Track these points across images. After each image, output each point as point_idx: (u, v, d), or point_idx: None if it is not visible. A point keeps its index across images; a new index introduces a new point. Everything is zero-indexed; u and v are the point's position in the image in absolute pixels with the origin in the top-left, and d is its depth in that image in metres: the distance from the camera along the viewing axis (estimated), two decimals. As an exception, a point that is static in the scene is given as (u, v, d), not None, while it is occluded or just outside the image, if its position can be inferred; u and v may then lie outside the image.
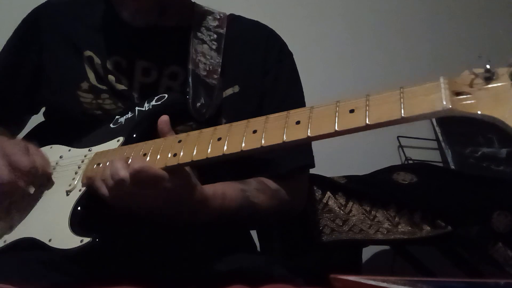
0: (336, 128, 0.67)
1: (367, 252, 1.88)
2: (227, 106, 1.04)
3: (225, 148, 0.75)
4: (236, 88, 1.06)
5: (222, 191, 0.92)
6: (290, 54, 1.16)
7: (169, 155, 0.80)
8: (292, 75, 1.14)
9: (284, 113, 0.74)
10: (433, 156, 2.11)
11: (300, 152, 1.05)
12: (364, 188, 1.49)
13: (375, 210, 1.45)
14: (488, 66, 0.62)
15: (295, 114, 0.72)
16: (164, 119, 0.88)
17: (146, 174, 0.78)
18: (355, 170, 1.63)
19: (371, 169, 1.66)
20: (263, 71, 1.09)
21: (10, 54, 1.12)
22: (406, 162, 2.05)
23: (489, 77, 0.62)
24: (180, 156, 0.79)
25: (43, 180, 0.94)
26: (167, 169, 0.80)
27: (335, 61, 2.12)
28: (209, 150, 0.77)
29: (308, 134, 0.69)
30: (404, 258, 1.74)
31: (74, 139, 1.01)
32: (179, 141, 0.82)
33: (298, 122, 0.70)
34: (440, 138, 2.08)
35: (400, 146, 2.09)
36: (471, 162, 1.99)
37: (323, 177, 1.46)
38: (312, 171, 1.13)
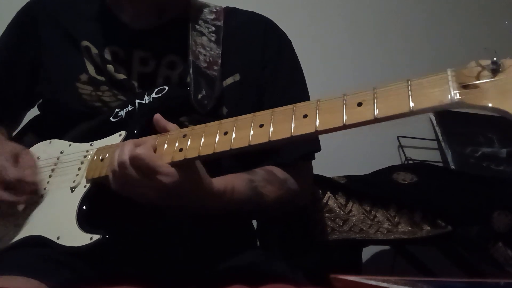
0: (345, 121, 0.66)
1: (367, 252, 1.88)
2: (228, 95, 1.02)
3: (232, 142, 0.74)
4: (236, 77, 1.04)
5: (232, 185, 0.90)
6: (288, 44, 1.14)
7: (175, 150, 0.79)
8: (292, 68, 1.12)
9: (290, 106, 0.73)
10: (433, 156, 2.10)
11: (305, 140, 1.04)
12: (364, 188, 1.49)
13: (375, 210, 1.45)
14: (494, 58, 0.62)
15: (302, 107, 0.71)
16: (157, 118, 0.86)
17: (143, 161, 0.78)
18: (355, 170, 1.63)
19: (371, 169, 1.66)
20: (262, 65, 1.07)
21: (9, 50, 1.11)
22: (406, 162, 2.04)
23: (495, 69, 0.61)
24: (187, 151, 0.78)
25: (31, 188, 0.93)
26: (173, 164, 0.79)
27: (335, 61, 2.11)
28: (216, 144, 0.76)
29: (316, 128, 0.68)
30: (405, 258, 1.74)
31: (73, 134, 1.00)
32: (184, 136, 0.81)
33: (305, 116, 0.70)
34: (440, 138, 2.08)
35: (400, 146, 2.08)
36: (471, 162, 1.99)
37: (323, 177, 1.45)
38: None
